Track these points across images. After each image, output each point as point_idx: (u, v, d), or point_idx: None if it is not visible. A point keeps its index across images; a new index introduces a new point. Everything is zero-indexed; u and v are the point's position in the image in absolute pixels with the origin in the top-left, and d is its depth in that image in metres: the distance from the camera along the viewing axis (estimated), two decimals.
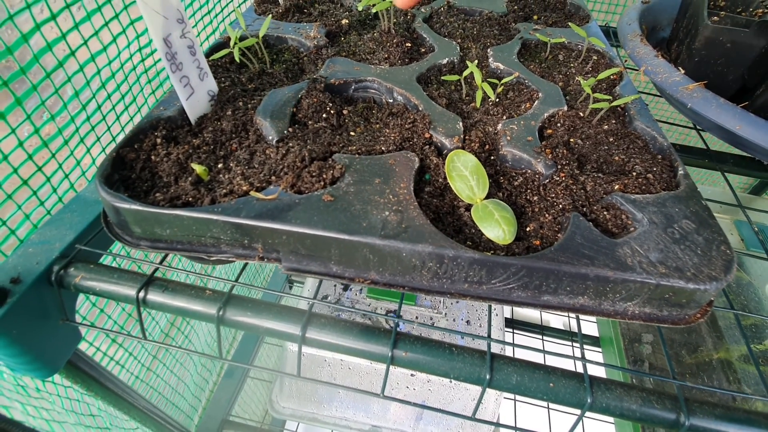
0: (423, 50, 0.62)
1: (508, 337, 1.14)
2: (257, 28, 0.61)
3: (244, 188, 0.37)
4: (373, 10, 0.55)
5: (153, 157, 0.40)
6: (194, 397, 0.91)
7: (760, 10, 0.74)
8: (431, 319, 0.80)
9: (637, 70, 0.72)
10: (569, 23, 0.62)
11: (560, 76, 0.60)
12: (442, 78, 0.53)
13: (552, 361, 0.44)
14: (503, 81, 0.52)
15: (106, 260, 0.55)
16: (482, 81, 0.50)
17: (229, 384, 1.01)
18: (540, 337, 1.20)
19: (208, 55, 0.54)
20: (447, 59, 0.58)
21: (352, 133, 0.47)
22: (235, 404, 0.97)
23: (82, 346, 0.62)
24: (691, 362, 0.92)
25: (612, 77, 0.60)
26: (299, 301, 0.91)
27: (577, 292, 0.35)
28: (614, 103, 0.49)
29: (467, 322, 0.81)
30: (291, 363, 0.81)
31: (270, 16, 0.54)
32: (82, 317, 0.59)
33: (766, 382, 0.41)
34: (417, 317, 0.80)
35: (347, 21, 0.62)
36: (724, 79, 0.67)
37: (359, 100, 0.53)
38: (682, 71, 0.66)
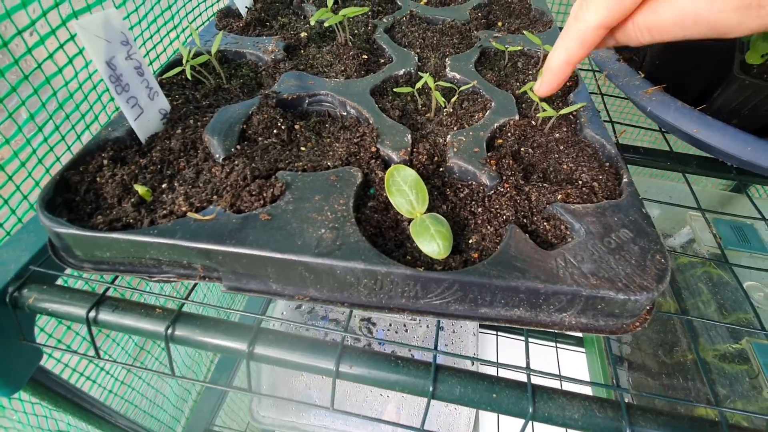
0: (382, 61, 0.62)
1: (490, 339, 1.14)
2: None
3: (183, 209, 0.37)
4: (326, 24, 0.56)
5: (98, 179, 0.41)
6: (176, 408, 0.91)
7: None
8: (404, 325, 0.81)
9: (601, 72, 0.73)
10: (524, 31, 0.62)
11: (517, 84, 0.60)
12: (395, 90, 0.53)
13: (547, 365, 0.44)
14: (459, 90, 0.52)
15: (70, 281, 0.55)
16: (436, 90, 0.51)
17: (213, 394, 1.01)
18: (524, 339, 1.20)
19: (163, 72, 0.54)
20: (404, 70, 0.58)
21: (302, 148, 0.47)
22: (218, 414, 0.98)
23: (50, 362, 0.63)
24: (668, 362, 0.92)
25: (568, 83, 0.60)
26: (277, 315, 0.92)
27: (512, 304, 0.35)
28: (561, 112, 0.49)
29: (441, 328, 0.82)
30: (266, 375, 0.81)
31: (221, 32, 0.54)
32: (48, 335, 0.59)
33: (712, 386, 0.41)
34: (391, 324, 0.81)
35: (306, 34, 0.63)
36: (685, 81, 0.68)
37: (313, 114, 0.53)
38: (642, 75, 0.67)
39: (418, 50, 0.64)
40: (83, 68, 0.56)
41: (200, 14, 0.81)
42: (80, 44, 0.55)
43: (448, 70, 0.60)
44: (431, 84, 0.51)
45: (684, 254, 1.05)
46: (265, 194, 0.38)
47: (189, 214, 0.36)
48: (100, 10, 0.57)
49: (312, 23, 0.58)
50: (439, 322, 0.50)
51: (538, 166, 0.48)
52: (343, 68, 0.58)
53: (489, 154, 0.46)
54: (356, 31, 0.67)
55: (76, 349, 0.61)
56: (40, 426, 0.56)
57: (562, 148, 0.50)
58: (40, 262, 0.46)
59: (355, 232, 0.36)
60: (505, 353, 1.14)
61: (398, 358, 0.40)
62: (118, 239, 0.35)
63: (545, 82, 0.46)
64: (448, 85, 0.52)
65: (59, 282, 0.46)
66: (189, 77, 0.51)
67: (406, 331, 0.81)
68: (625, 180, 0.44)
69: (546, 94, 0.47)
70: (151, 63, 0.70)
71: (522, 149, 0.50)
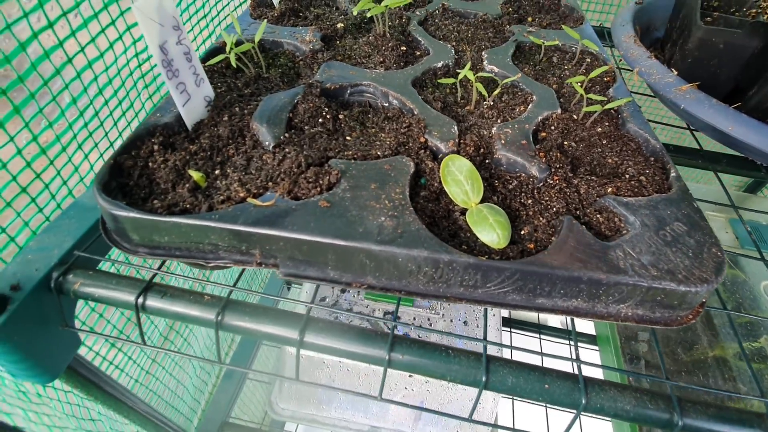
0: (418, 53, 0.62)
1: (506, 337, 1.15)
2: (253, 32, 0.61)
3: (242, 195, 0.37)
4: (368, 15, 0.55)
5: (150, 164, 0.40)
6: (193, 399, 0.91)
7: (754, 10, 0.75)
8: (428, 320, 0.81)
9: (631, 71, 0.73)
10: (562, 26, 0.62)
11: (554, 78, 0.60)
12: (438, 81, 0.53)
13: (549, 362, 0.44)
14: (502, 82, 0.52)
15: (105, 266, 0.55)
16: (476, 80, 0.51)
17: (229, 386, 1.01)
18: (537, 336, 1.21)
19: (204, 60, 0.54)
20: (442, 62, 0.58)
21: (348, 138, 0.47)
22: (234, 406, 0.98)
23: (82, 350, 0.63)
24: (687, 360, 0.92)
25: (605, 79, 0.60)
26: (296, 304, 0.92)
27: (570, 294, 0.36)
28: (607, 106, 0.49)
29: (464, 322, 0.82)
30: (289, 365, 0.81)
31: (265, 21, 0.54)
32: (81, 322, 0.59)
33: (758, 380, 0.41)
34: (414, 318, 0.81)
35: (342, 25, 0.63)
36: (718, 79, 0.68)
37: (355, 104, 0.53)
38: (675, 72, 0.67)
39: (454, 43, 0.64)
40: (122, 54, 0.56)
41: (228, 3, 0.80)
42: (119, 30, 0.55)
43: (485, 63, 0.60)
44: (471, 77, 0.51)
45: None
46: (321, 181, 0.38)
47: (249, 199, 0.36)
48: None
49: (355, 13, 0.58)
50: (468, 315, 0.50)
51: (583, 159, 0.48)
52: (381, 59, 0.58)
53: (536, 147, 0.46)
54: (391, 23, 0.67)
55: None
56: (73, 414, 0.55)
57: (605, 142, 0.50)
58: (85, 247, 0.45)
59: (415, 221, 0.36)
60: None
61: (449, 348, 0.40)
62: (179, 223, 0.35)
63: None
64: (489, 75, 0.52)
65: (103, 268, 0.46)
66: (234, 65, 0.50)
67: (430, 325, 0.81)
68: (673, 174, 0.45)
69: None
70: None
71: (566, 143, 0.50)
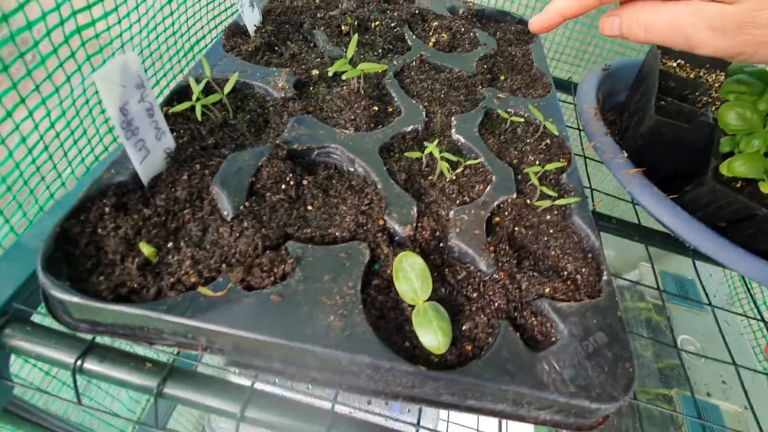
0: (390, 110, 0.63)
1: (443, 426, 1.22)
2: (224, 69, 0.59)
3: (192, 279, 0.37)
4: (344, 77, 0.55)
5: (100, 231, 0.39)
6: (129, 411, 0.90)
7: (705, 97, 0.81)
8: (368, 401, 0.84)
9: (589, 141, 0.77)
10: (529, 105, 0.65)
11: (515, 152, 0.63)
12: (404, 154, 0.54)
13: None
14: (465, 163, 0.54)
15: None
16: (441, 158, 0.53)
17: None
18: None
19: (169, 101, 0.52)
20: (412, 126, 0.60)
21: (309, 207, 0.48)
22: (170, 418, 0.97)
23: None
24: None
25: (562, 160, 0.63)
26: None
27: (498, 400, 0.39)
28: (557, 202, 0.52)
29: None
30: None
31: (236, 74, 0.53)
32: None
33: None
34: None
35: (317, 72, 0.62)
36: (662, 163, 0.74)
37: (321, 165, 0.54)
38: (625, 154, 0.72)
39: (426, 103, 0.65)
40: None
41: (210, 20, 0.77)
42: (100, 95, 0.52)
43: (453, 131, 0.61)
44: (437, 155, 0.52)
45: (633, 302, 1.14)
46: (276, 270, 0.39)
47: (199, 288, 0.36)
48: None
49: (330, 73, 0.57)
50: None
51: (529, 248, 0.51)
52: (353, 117, 0.58)
53: (488, 239, 0.48)
54: (368, 73, 0.67)
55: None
56: None
57: (551, 231, 0.54)
58: (25, 297, 0.44)
59: (362, 321, 0.38)
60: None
61: (386, 428, 0.42)
62: (124, 312, 0.34)
63: (538, 22, 0.49)
64: (454, 159, 0.53)
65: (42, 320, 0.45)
66: (199, 117, 0.49)
67: (369, 403, 0.84)
68: (605, 278, 0.49)
69: (535, 30, 0.51)
70: (152, 73, 0.66)
71: (516, 228, 0.53)
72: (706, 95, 0.81)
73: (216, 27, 0.81)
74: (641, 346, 1.16)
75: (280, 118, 0.57)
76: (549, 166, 0.55)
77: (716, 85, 0.85)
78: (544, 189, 0.53)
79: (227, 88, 0.51)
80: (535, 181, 0.54)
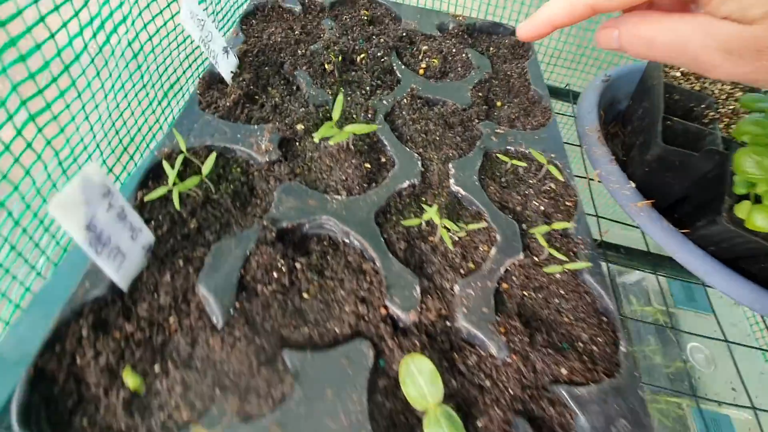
0: (383, 160, 0.59)
1: None
2: (201, 133, 0.55)
3: (185, 415, 0.34)
4: (330, 143, 0.51)
5: (78, 360, 0.36)
6: None
7: (712, 113, 0.77)
8: None
9: (593, 168, 0.73)
10: (531, 150, 0.61)
11: (518, 197, 0.59)
12: (403, 223, 0.51)
13: None
14: (468, 227, 0.50)
15: None
16: (443, 227, 0.49)
17: None
18: None
19: (143, 182, 0.48)
20: (408, 182, 0.56)
21: (305, 295, 0.44)
22: None
23: None
24: None
25: (568, 203, 0.60)
26: None
27: None
28: (567, 267, 0.49)
29: None
30: None
31: (213, 155, 0.48)
32: None
33: None
34: None
35: (303, 126, 0.58)
36: (670, 188, 0.70)
37: (314, 238, 0.50)
38: (633, 185, 0.68)
39: (421, 149, 0.61)
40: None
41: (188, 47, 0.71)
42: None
43: (452, 182, 0.58)
44: (437, 221, 0.49)
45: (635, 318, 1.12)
46: (274, 392, 0.36)
47: (193, 427, 0.33)
48: None
49: (316, 140, 0.53)
50: None
51: (540, 314, 0.49)
52: (344, 177, 0.54)
53: (498, 316, 0.45)
54: (354, 116, 0.62)
55: None
56: None
57: (562, 292, 0.51)
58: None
59: None
60: None
61: None
62: None
63: (525, 30, 0.44)
64: (455, 227, 0.50)
65: None
66: (177, 206, 0.45)
67: None
68: (623, 350, 0.46)
69: (522, 38, 0.45)
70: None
71: (525, 293, 0.50)
72: (712, 109, 0.77)
73: (192, 64, 0.75)
74: (650, 351, 1.15)
75: (266, 183, 0.53)
76: (556, 225, 0.52)
77: (722, 97, 0.81)
78: (554, 252, 0.50)
79: (206, 169, 0.47)
80: (543, 242, 0.50)
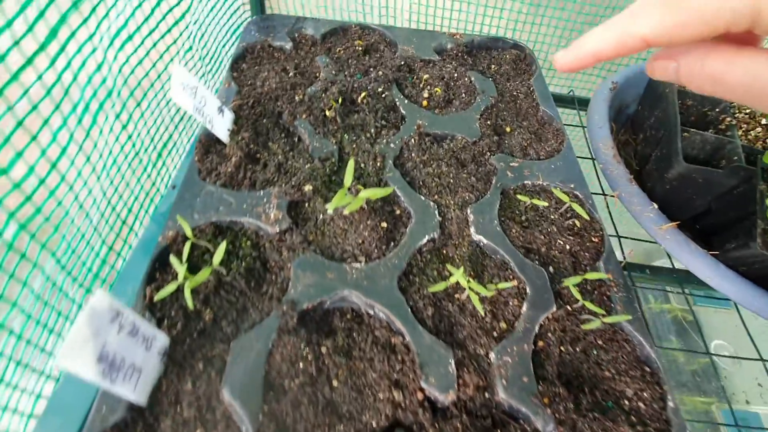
0: (398, 212, 0.56)
1: None
2: (205, 208, 0.52)
3: None
4: (346, 212, 0.48)
5: None
6: None
7: (728, 117, 0.74)
8: None
9: (612, 189, 0.70)
10: (552, 188, 0.58)
11: (542, 237, 0.57)
12: (430, 290, 0.48)
13: None
14: (498, 285, 0.48)
15: None
16: (470, 290, 0.47)
17: None
18: None
19: (150, 274, 0.45)
20: (427, 237, 0.53)
21: (335, 383, 0.42)
22: None
23: None
24: None
25: (594, 240, 0.57)
26: None
27: None
28: (606, 320, 0.47)
29: None
30: None
31: (222, 246, 0.45)
32: None
33: None
34: None
35: (311, 187, 0.55)
36: (692, 203, 0.68)
37: (336, 313, 0.47)
38: (656, 206, 0.66)
39: (436, 196, 0.58)
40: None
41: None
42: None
43: (473, 231, 0.55)
44: (464, 283, 0.46)
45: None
46: None
47: None
48: None
49: (330, 211, 0.50)
50: None
51: (581, 371, 0.46)
52: (360, 241, 0.51)
53: (539, 386, 0.43)
54: (363, 165, 0.59)
55: None
56: None
57: (600, 342, 0.49)
58: None
59: None
60: None
61: None
62: None
63: (565, 61, 0.39)
64: (484, 291, 0.47)
65: None
66: (190, 305, 0.42)
67: None
68: (670, 405, 0.44)
69: (561, 69, 0.40)
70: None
71: (563, 349, 0.48)
72: (728, 114, 0.74)
73: (183, 116, 0.72)
74: (673, 350, 1.14)
75: (279, 255, 0.50)
76: (589, 276, 0.49)
77: None
78: (589, 305, 0.47)
79: (217, 259, 0.44)
80: (576, 295, 0.48)
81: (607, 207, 0.77)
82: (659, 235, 0.64)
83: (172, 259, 0.43)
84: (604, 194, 0.78)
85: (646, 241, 0.75)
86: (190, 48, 0.69)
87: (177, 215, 0.48)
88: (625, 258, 0.69)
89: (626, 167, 0.69)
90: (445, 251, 0.54)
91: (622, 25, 0.33)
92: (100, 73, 0.50)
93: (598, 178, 0.83)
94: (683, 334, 1.11)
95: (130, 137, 0.57)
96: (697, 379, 1.05)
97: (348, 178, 0.47)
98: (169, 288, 0.43)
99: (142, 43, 0.58)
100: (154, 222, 0.63)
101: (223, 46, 0.82)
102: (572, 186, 0.62)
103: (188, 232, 0.46)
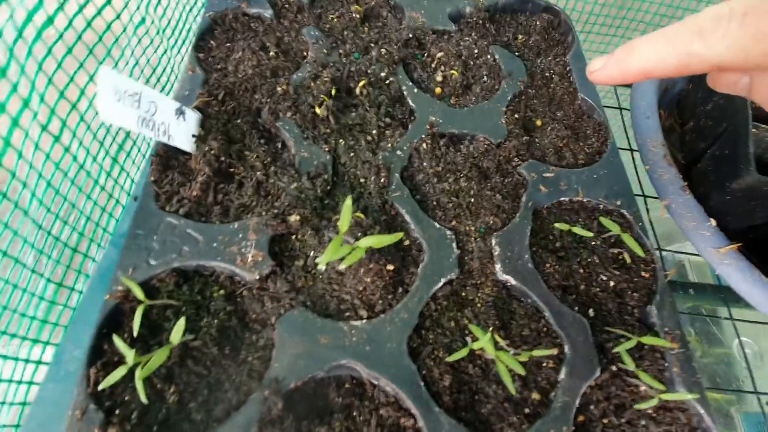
0: (407, 243, 0.46)
1: None
2: (164, 251, 0.41)
3: None
4: (343, 266, 0.38)
5: None
6: None
7: None
8: None
9: (659, 197, 0.59)
10: (600, 218, 0.47)
11: (581, 270, 0.47)
12: (447, 359, 0.39)
13: None
14: (534, 354, 0.38)
15: None
16: (501, 364, 0.37)
17: None
18: None
19: (96, 350, 0.36)
20: (443, 280, 0.43)
21: None
22: None
23: None
24: None
25: (644, 275, 0.48)
26: None
27: None
28: (667, 397, 0.38)
29: None
30: None
31: (181, 323, 0.35)
32: None
33: None
34: None
35: (298, 217, 0.43)
36: (751, 215, 0.57)
37: (332, 386, 0.38)
38: (713, 223, 0.55)
39: (453, 220, 0.47)
40: None
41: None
42: None
43: (499, 269, 0.45)
44: (491, 351, 0.37)
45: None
46: None
47: None
48: None
49: (321, 267, 0.39)
50: None
51: None
52: (361, 288, 0.41)
53: None
54: (363, 181, 0.48)
55: None
56: None
57: (650, 411, 0.40)
58: None
59: None
60: None
61: None
62: None
63: (607, 72, 0.32)
64: (518, 368, 0.37)
65: None
66: (143, 399, 0.33)
67: None
68: None
69: (597, 81, 0.33)
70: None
71: (605, 421, 0.40)
72: None
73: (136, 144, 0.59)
74: (692, 345, 1.08)
75: (260, 305, 0.41)
76: (646, 340, 0.40)
77: None
78: (644, 376, 0.39)
79: (175, 337, 0.34)
80: (629, 363, 0.39)
81: (647, 211, 0.66)
82: (715, 258, 0.54)
83: (117, 341, 0.33)
84: (643, 195, 0.68)
85: (694, 254, 0.65)
86: (143, 20, 0.54)
87: (122, 271, 0.38)
88: (667, 275, 0.60)
89: (682, 179, 0.57)
90: (464, 293, 0.44)
91: (686, 43, 0.27)
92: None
93: (636, 172, 0.71)
94: (705, 329, 1.04)
95: (68, 148, 0.45)
96: (719, 375, 1.00)
97: (344, 222, 0.36)
98: (117, 373, 0.33)
99: (71, 23, 0.44)
100: (114, 246, 0.53)
101: (190, 10, 0.67)
102: (618, 203, 0.51)
103: (139, 295, 0.36)
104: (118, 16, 0.50)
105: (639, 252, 0.45)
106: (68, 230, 0.48)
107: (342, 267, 0.38)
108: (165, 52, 0.62)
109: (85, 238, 0.51)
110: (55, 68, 0.42)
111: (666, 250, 0.62)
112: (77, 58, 0.46)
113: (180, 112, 0.45)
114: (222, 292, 0.41)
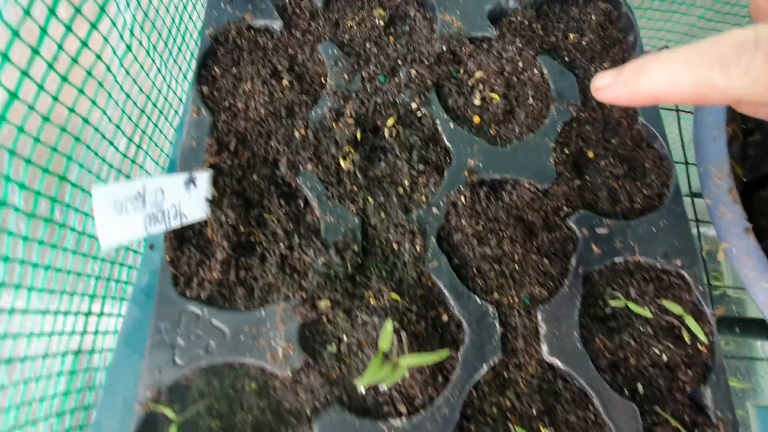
0: (445, 319, 0.42)
1: None
2: (190, 345, 0.38)
3: None
4: (385, 387, 0.34)
5: None
6: None
7: None
8: None
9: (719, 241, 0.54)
10: (664, 301, 0.42)
11: (632, 342, 0.44)
12: None
13: None
14: None
15: None
16: None
17: None
18: None
19: None
20: (485, 366, 0.40)
21: None
22: None
23: None
24: None
25: (700, 347, 0.44)
26: None
27: None
28: None
29: None
30: None
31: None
32: None
33: None
34: None
35: (328, 302, 0.40)
36: None
37: None
38: None
39: (495, 293, 0.43)
40: None
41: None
42: None
43: (545, 350, 0.42)
44: None
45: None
46: None
47: None
48: None
49: (362, 389, 0.35)
50: None
51: None
52: (400, 381, 0.39)
53: None
54: (396, 249, 0.43)
55: None
56: None
57: None
58: None
59: None
60: None
61: None
62: None
63: (615, 93, 0.29)
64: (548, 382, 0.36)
65: None
66: None
67: None
68: None
69: (603, 98, 0.30)
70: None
71: None
72: None
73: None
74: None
75: (295, 397, 0.39)
76: None
77: None
78: None
79: None
80: None
81: (699, 238, 0.61)
82: None
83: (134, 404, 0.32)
84: (697, 220, 0.62)
85: (738, 286, 0.61)
86: (129, 48, 0.46)
87: (149, 374, 0.36)
88: (715, 316, 0.56)
89: (748, 220, 0.51)
90: (506, 374, 0.42)
91: (704, 71, 0.24)
92: None
93: (689, 183, 0.65)
94: (727, 327, 1.02)
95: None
96: (740, 373, 1.00)
97: (385, 344, 0.32)
98: None
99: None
100: (135, 304, 0.50)
101: (185, 30, 0.57)
102: (678, 263, 0.46)
103: (171, 415, 0.34)
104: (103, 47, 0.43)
105: (702, 337, 0.41)
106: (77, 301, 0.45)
107: (385, 387, 0.36)
108: (167, 80, 0.54)
109: (97, 298, 0.48)
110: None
111: (715, 285, 0.58)
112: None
113: (189, 181, 0.40)
114: (254, 385, 0.39)
